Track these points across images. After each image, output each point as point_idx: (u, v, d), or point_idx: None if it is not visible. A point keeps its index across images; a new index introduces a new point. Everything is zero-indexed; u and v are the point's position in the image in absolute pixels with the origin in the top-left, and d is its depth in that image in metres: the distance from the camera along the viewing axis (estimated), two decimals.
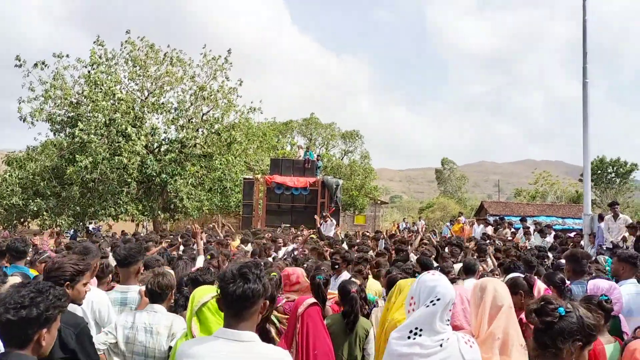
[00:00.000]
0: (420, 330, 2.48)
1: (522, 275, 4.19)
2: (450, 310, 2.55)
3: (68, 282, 3.06)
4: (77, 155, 19.57)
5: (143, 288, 3.76)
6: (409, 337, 2.49)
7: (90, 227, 24.17)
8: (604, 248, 10.45)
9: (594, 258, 6.40)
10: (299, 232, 13.35)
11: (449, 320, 2.55)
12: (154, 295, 3.51)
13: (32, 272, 5.32)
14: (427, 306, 2.51)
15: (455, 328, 3.23)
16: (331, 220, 15.59)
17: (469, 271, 5.59)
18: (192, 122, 22.32)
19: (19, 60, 20.27)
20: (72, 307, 3.24)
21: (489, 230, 16.71)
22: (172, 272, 4.40)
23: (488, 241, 11.16)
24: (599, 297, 3.38)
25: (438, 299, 2.50)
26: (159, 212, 22.62)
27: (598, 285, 3.91)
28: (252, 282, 2.17)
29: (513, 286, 3.69)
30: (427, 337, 2.46)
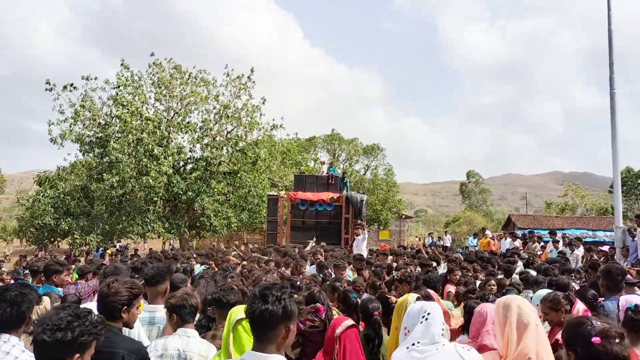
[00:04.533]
0: (418, 342, 2.58)
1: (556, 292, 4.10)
2: (443, 322, 2.66)
3: (125, 307, 3.10)
4: (104, 174, 19.98)
5: None
6: (407, 348, 2.60)
7: (118, 245, 24.52)
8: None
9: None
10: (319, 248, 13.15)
11: (444, 330, 2.63)
12: (184, 312, 3.45)
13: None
14: (421, 322, 2.62)
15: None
16: (364, 234, 14.84)
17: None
18: (216, 140, 22.63)
19: (49, 84, 20.87)
20: (126, 331, 3.28)
21: (517, 243, 16.41)
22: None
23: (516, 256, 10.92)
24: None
25: (429, 314, 2.63)
26: (185, 229, 22.85)
27: (631, 301, 3.80)
28: (271, 304, 2.14)
29: (555, 302, 3.63)
30: (425, 346, 2.56)
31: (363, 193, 25.57)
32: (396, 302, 4.28)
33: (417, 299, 3.58)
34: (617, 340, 2.24)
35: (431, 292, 4.66)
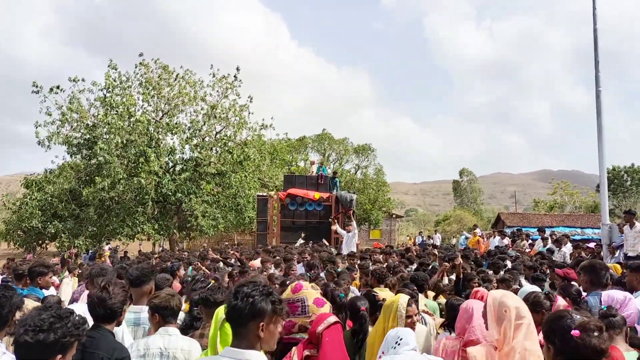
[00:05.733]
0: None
1: (539, 290, 4.13)
2: (415, 346, 2.89)
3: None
4: (95, 178, 19.82)
5: None
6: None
7: (107, 247, 24.37)
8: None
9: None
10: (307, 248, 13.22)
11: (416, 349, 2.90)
12: (166, 312, 3.44)
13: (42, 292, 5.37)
14: (394, 347, 2.85)
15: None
16: (354, 231, 14.92)
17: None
18: (205, 140, 22.56)
19: (36, 87, 20.68)
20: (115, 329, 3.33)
21: (506, 241, 16.51)
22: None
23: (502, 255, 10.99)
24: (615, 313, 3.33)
25: (401, 339, 2.85)
26: (175, 230, 22.74)
27: (612, 296, 3.85)
28: (240, 300, 2.12)
29: (535, 304, 3.66)
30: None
31: (353, 193, 25.62)
32: (384, 299, 4.30)
33: (409, 300, 3.59)
34: (595, 334, 2.25)
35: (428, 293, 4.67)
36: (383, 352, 2.90)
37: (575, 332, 2.25)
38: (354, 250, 13.16)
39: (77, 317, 2.33)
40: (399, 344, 2.81)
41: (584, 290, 4.65)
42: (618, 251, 11.09)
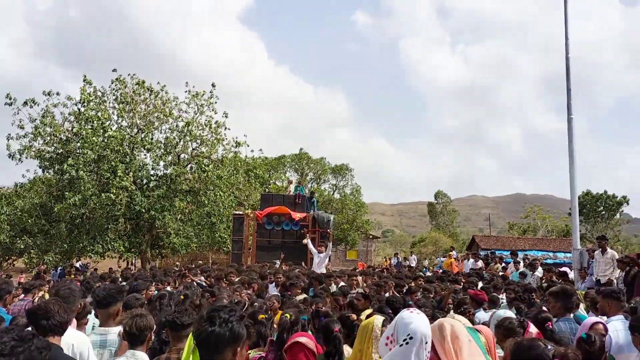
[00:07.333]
0: None
1: (513, 316, 4.15)
2: (426, 349, 2.56)
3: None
4: (66, 193, 19.41)
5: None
6: None
7: (78, 264, 23.82)
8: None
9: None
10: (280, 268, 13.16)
11: (427, 358, 2.56)
12: (132, 337, 3.38)
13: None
14: (401, 345, 2.54)
15: None
16: (326, 251, 14.86)
17: None
18: (180, 158, 22.31)
19: (10, 99, 20.32)
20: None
21: (480, 264, 16.68)
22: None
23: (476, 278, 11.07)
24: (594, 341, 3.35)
25: (411, 338, 2.53)
26: (147, 248, 22.33)
27: (591, 322, 3.89)
28: (218, 326, 2.06)
29: (508, 330, 3.66)
30: None
31: (331, 213, 25.58)
32: (358, 319, 4.26)
33: (384, 321, 3.55)
34: None
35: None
36: (393, 335, 2.66)
37: None
38: (324, 271, 13.15)
39: (40, 340, 2.24)
40: (407, 342, 2.55)
41: (555, 316, 4.69)
42: (589, 276, 11.28)
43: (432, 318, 3.59)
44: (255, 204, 25.42)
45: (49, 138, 20.78)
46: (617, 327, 4.31)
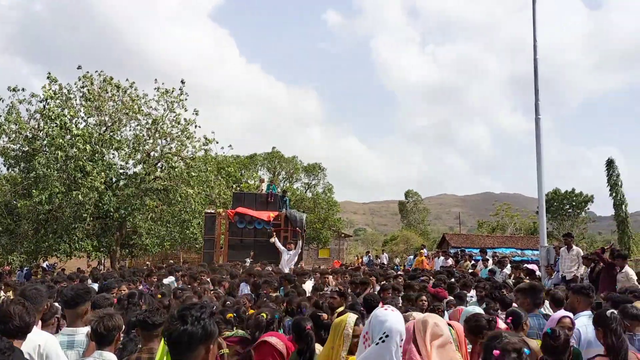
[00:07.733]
0: None
1: (482, 313, 4.21)
2: (401, 345, 2.58)
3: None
4: (33, 191, 18.87)
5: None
6: None
7: (44, 264, 23.22)
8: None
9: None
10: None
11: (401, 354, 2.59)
12: (100, 337, 3.32)
13: None
14: (377, 344, 2.54)
15: None
16: (296, 249, 14.90)
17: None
18: (150, 156, 21.93)
19: None
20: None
21: (450, 262, 16.92)
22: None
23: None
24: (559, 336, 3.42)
25: (387, 336, 2.53)
26: (117, 248, 21.91)
27: (559, 316, 3.98)
28: (190, 324, 2.03)
29: (477, 328, 3.71)
30: None
31: (303, 212, 25.54)
32: (328, 319, 4.26)
33: (357, 319, 3.55)
34: (513, 355, 2.39)
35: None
36: (367, 333, 2.65)
37: (495, 352, 2.42)
38: (292, 266, 13.18)
39: (3, 342, 2.19)
40: (383, 340, 2.54)
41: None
42: (555, 273, 11.55)
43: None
44: (227, 203, 25.21)
45: (14, 135, 20.18)
46: (584, 323, 4.44)
